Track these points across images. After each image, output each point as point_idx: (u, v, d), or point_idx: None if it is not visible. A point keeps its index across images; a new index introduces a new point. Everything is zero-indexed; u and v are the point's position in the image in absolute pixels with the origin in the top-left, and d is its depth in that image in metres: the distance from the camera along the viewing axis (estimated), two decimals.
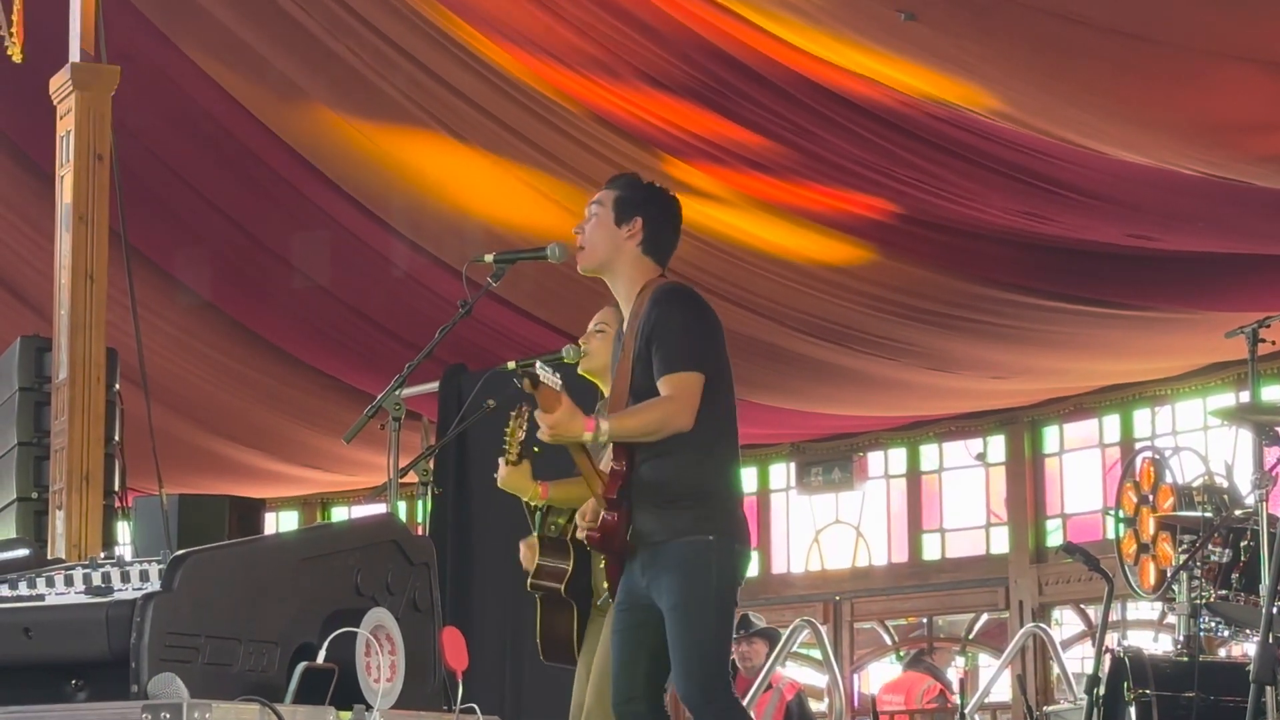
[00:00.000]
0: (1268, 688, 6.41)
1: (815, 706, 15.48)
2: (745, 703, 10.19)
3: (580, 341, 6.92)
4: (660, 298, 5.74)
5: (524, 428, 6.66)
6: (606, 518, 5.68)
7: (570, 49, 10.54)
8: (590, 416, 5.59)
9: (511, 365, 6.80)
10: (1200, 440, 13.95)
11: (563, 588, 6.78)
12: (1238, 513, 7.48)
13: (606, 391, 6.32)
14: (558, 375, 5.52)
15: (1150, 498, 7.99)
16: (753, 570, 16.66)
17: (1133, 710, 7.14)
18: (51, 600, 4.10)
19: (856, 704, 15.95)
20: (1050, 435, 15.82)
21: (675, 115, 10.87)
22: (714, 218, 11.67)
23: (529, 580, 6.89)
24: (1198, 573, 7.41)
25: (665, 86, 10.61)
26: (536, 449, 6.55)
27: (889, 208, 11.37)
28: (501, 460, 6.74)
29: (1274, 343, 7.84)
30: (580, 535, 5.97)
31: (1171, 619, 7.80)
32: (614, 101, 10.93)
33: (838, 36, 9.40)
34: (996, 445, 16.07)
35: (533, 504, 6.82)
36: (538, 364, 5.49)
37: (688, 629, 5.52)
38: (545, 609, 6.88)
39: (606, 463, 5.86)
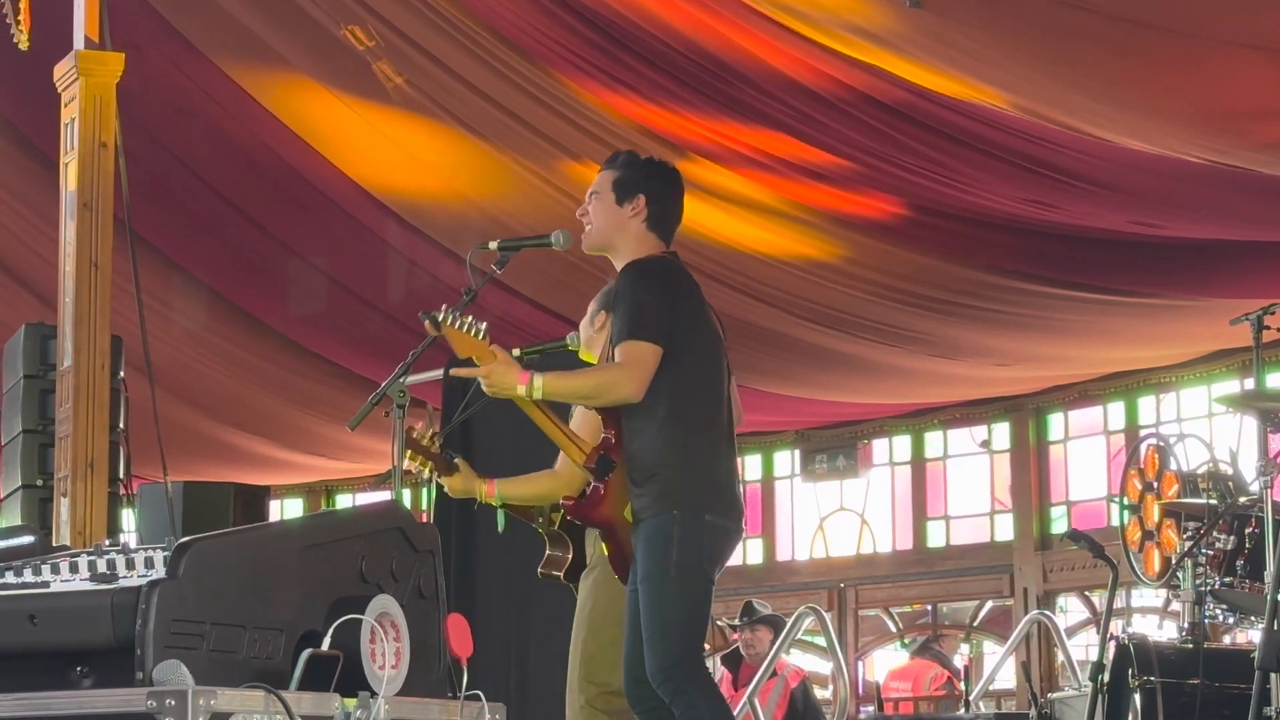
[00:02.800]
0: (1272, 674, 6.41)
1: (820, 694, 15.50)
2: (750, 690, 10.22)
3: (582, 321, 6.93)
4: (623, 270, 5.71)
5: (426, 444, 6.48)
6: (595, 487, 5.69)
7: (577, 39, 10.54)
8: (526, 370, 5.56)
9: (517, 352, 6.79)
10: (1205, 427, 13.96)
11: (562, 575, 6.81)
12: (1242, 500, 7.46)
13: None
14: (482, 324, 5.49)
15: (1155, 485, 7.97)
16: (757, 557, 16.90)
17: (1137, 697, 7.14)
18: (56, 587, 4.10)
19: (861, 691, 15.96)
20: (1055, 422, 15.83)
21: (678, 103, 10.87)
22: (719, 206, 11.67)
23: (539, 569, 6.92)
24: (1202, 560, 7.40)
25: (670, 74, 10.61)
26: (457, 458, 6.49)
27: (893, 195, 11.37)
28: (438, 478, 6.62)
29: (1278, 329, 7.82)
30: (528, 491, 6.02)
31: (1176, 606, 7.80)
32: (616, 88, 10.93)
33: (843, 24, 9.39)
34: (1001, 432, 16.08)
35: (486, 503, 6.69)
36: (444, 307, 5.47)
37: (649, 605, 5.51)
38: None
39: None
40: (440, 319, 5.43)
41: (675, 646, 5.52)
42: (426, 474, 6.48)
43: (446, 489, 6.56)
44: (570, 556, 6.78)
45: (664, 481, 5.57)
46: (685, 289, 5.73)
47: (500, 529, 6.80)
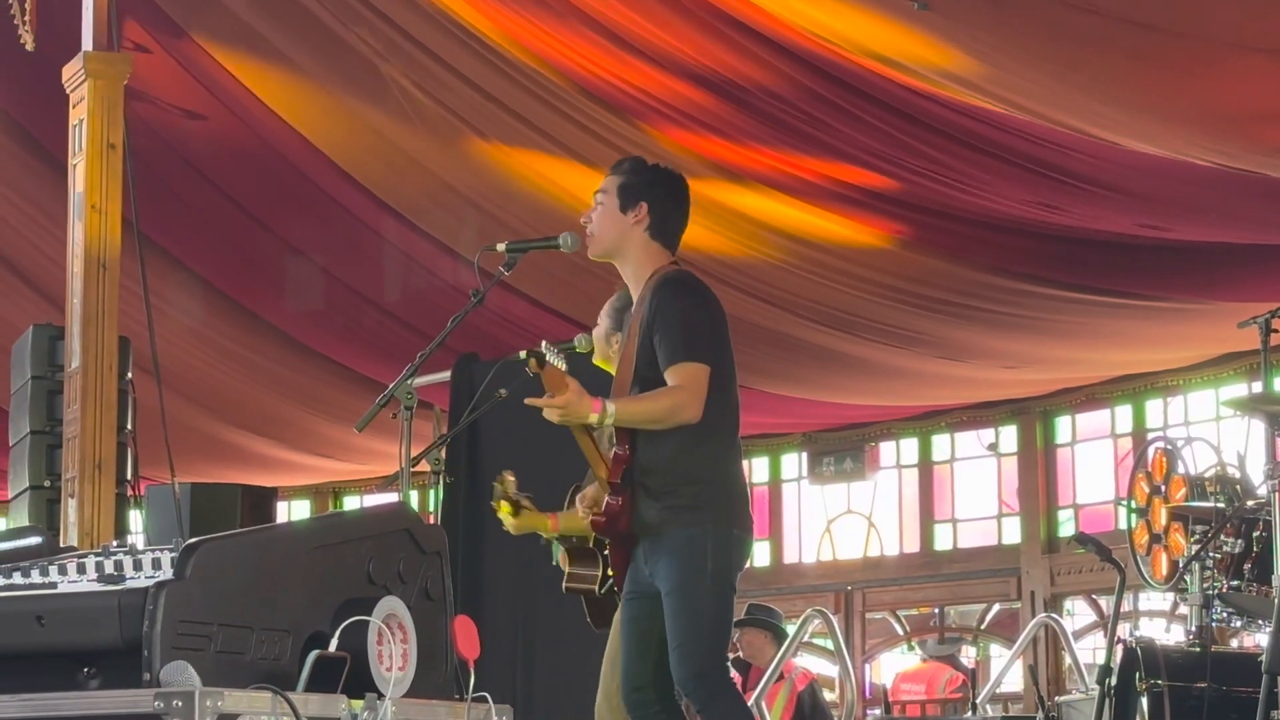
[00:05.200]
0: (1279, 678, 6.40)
1: (826, 696, 15.49)
2: (756, 693, 10.21)
3: (594, 331, 6.94)
4: (659, 286, 5.74)
5: (510, 493, 6.76)
6: (610, 502, 5.70)
7: (584, 39, 10.54)
8: (597, 399, 5.59)
9: (523, 355, 6.80)
10: (1212, 430, 13.94)
11: (597, 589, 6.85)
12: (1250, 503, 7.45)
13: None
14: (562, 356, 5.54)
15: (1162, 488, 7.96)
16: (764, 560, 16.89)
17: (1144, 701, 7.13)
18: (64, 588, 4.10)
19: (868, 694, 15.96)
20: (1062, 425, 15.82)
21: (685, 104, 10.86)
22: (725, 207, 11.66)
23: (564, 584, 6.96)
24: (1210, 563, 7.39)
25: (677, 75, 10.60)
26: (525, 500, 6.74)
27: (901, 198, 11.36)
28: (501, 515, 6.87)
29: None
30: (584, 520, 6.06)
31: (1183, 609, 7.78)
32: (621, 88, 10.93)
33: (850, 24, 9.39)
34: (1008, 435, 16.07)
35: (545, 538, 6.88)
36: (543, 344, 5.51)
37: (682, 613, 5.55)
38: (586, 598, 6.97)
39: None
40: (545, 358, 5.47)
41: (707, 655, 5.58)
42: (506, 519, 6.76)
43: (509, 527, 6.77)
44: (600, 574, 6.83)
45: (693, 495, 5.63)
46: (717, 306, 5.80)
47: (555, 562, 6.95)
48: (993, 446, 16.21)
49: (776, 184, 11.51)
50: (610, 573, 6.66)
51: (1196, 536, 7.52)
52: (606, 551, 5.98)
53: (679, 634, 5.56)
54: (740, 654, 11.62)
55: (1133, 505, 8.14)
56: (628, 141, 11.02)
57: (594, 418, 5.59)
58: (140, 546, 4.28)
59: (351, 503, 19.00)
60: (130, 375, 10.00)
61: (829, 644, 16.05)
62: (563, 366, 5.54)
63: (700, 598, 5.57)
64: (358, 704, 4.14)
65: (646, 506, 5.66)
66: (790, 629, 11.53)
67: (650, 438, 5.66)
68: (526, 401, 5.64)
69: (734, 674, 11.72)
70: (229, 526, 9.30)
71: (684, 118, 11.01)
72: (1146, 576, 8.02)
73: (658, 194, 5.87)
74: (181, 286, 13.77)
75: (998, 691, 12.94)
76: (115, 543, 4.39)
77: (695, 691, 5.56)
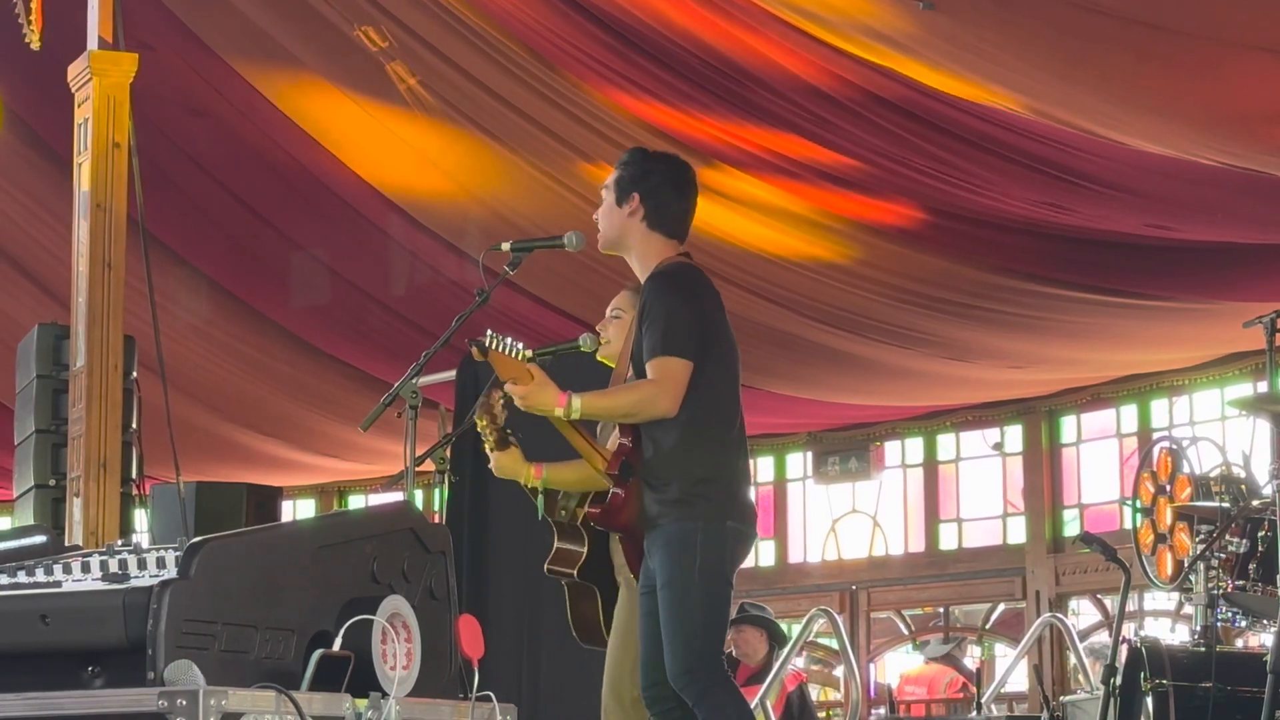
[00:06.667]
0: None
1: (831, 696, 15.49)
2: (760, 694, 10.19)
3: (598, 328, 6.92)
4: (650, 280, 5.72)
5: (497, 414, 6.52)
6: (615, 494, 5.69)
7: (591, 41, 10.54)
8: (564, 392, 5.58)
9: (530, 353, 6.77)
10: (1218, 430, 13.94)
11: (575, 572, 6.76)
12: (1255, 503, 7.44)
13: None
14: (519, 344, 5.52)
15: (1168, 488, 7.95)
16: (769, 559, 16.89)
17: (1149, 700, 7.12)
18: (69, 587, 4.10)
19: (873, 694, 15.95)
20: (1067, 425, 15.82)
21: (691, 105, 10.86)
22: (732, 208, 11.66)
23: (546, 565, 6.87)
24: (1215, 563, 7.38)
25: (684, 76, 10.61)
26: (520, 434, 6.51)
27: (907, 198, 11.36)
28: (489, 450, 6.66)
29: None
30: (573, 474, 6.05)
31: (1188, 609, 7.77)
32: (629, 90, 10.93)
33: (857, 26, 9.39)
34: (1014, 435, 16.07)
35: (527, 486, 6.72)
36: (488, 333, 5.50)
37: (671, 608, 5.53)
38: (570, 594, 6.88)
39: (614, 441, 5.89)
40: (487, 344, 5.46)
41: (699, 650, 5.54)
42: (488, 441, 6.47)
43: (493, 465, 6.54)
44: (585, 552, 6.75)
45: (685, 489, 5.59)
46: (710, 298, 5.74)
47: (539, 516, 6.80)
48: (998, 446, 16.21)
49: (780, 183, 11.51)
50: (618, 556, 6.59)
51: (1201, 536, 7.51)
52: (624, 543, 5.94)
53: (670, 630, 5.53)
54: (732, 651, 11.59)
55: (1138, 505, 8.14)
56: (628, 138, 11.01)
57: (559, 410, 5.58)
58: (145, 545, 4.28)
59: (356, 502, 19.00)
60: (135, 374, 9.99)
61: (834, 643, 16.05)
62: (519, 353, 5.52)
63: (689, 594, 5.53)
64: (362, 703, 4.14)
65: (648, 500, 5.65)
66: (794, 629, 11.51)
67: (650, 431, 5.65)
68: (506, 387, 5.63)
69: None
70: (234, 526, 9.30)
71: (685, 117, 11.02)
72: (1151, 576, 8.02)
73: (651, 184, 5.80)
74: (187, 285, 13.78)
75: (1002, 691, 12.93)
76: (120, 542, 4.39)
77: (687, 687, 5.53)
